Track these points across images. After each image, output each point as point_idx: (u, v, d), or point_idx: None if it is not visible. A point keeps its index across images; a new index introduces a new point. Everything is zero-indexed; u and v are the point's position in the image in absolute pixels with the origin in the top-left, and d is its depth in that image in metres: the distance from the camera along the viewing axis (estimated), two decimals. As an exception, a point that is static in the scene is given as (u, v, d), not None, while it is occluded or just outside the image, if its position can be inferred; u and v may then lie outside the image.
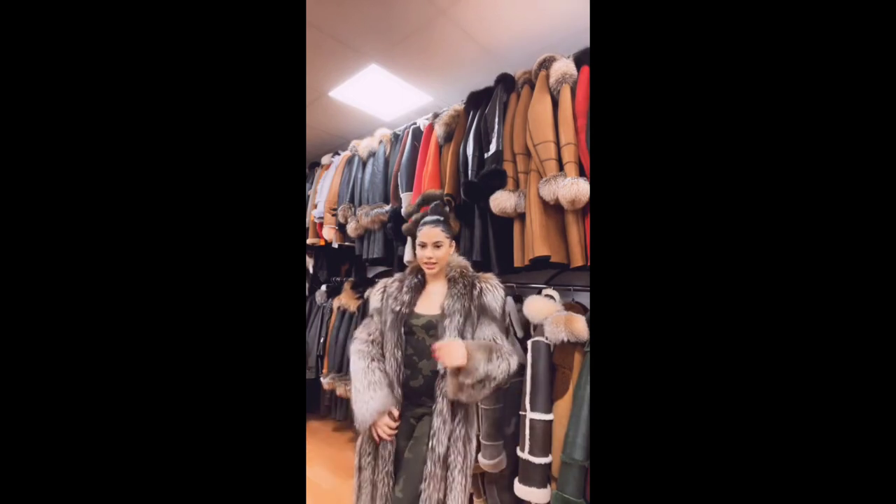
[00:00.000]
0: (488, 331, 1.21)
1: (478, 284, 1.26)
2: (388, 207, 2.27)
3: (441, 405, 1.15)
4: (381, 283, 1.37)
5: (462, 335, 1.18)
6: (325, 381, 2.56)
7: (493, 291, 1.27)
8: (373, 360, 1.23)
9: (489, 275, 1.32)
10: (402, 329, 1.23)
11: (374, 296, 1.36)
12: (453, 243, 1.33)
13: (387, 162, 2.41)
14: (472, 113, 1.94)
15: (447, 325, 1.18)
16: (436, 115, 2.15)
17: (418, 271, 1.36)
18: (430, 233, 1.27)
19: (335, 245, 2.53)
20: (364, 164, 2.52)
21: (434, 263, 1.27)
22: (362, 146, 2.55)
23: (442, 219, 1.31)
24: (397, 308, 1.26)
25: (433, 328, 1.22)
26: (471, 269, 1.32)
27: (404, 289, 1.30)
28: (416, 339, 1.23)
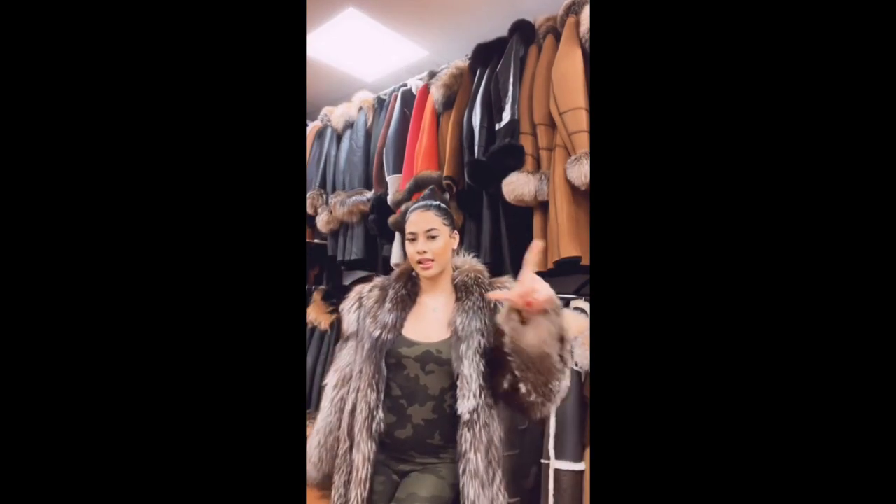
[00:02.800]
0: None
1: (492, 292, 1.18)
2: (370, 194, 2.27)
3: (475, 461, 1.06)
4: (356, 292, 1.28)
5: (483, 362, 1.12)
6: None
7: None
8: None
9: (505, 278, 1.24)
10: (383, 362, 1.14)
11: (348, 313, 1.26)
12: (455, 235, 1.25)
13: (368, 135, 2.41)
14: (479, 71, 1.93)
15: (464, 351, 1.11)
16: (432, 75, 2.14)
17: (408, 279, 1.26)
18: (421, 219, 1.18)
19: (302, 243, 2.52)
20: (339, 138, 2.51)
21: (430, 261, 1.17)
22: (337, 114, 2.54)
23: (437, 202, 1.23)
24: (376, 332, 1.16)
25: (433, 360, 1.13)
26: (487, 274, 1.25)
27: (387, 303, 1.20)
28: (404, 375, 1.14)
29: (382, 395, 1.12)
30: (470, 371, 1.10)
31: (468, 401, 1.08)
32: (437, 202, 1.23)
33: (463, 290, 1.20)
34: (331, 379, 1.24)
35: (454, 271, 1.25)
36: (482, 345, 1.12)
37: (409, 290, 1.24)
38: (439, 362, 1.13)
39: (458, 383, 1.10)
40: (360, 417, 1.12)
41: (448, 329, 1.16)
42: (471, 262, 1.27)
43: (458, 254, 1.29)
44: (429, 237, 1.17)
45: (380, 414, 1.11)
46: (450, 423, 1.12)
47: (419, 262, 1.18)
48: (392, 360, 1.15)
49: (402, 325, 1.18)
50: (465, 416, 1.08)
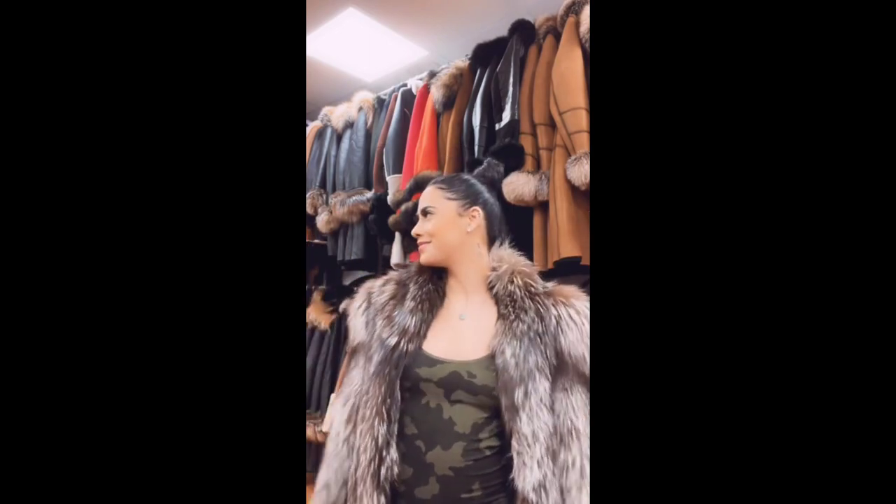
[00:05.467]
0: (563, 405, 0.83)
1: (553, 310, 0.86)
2: (370, 194, 2.24)
3: None
4: (365, 288, 1.00)
5: (553, 411, 0.81)
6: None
7: (578, 324, 0.85)
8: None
9: (571, 289, 0.91)
10: (397, 383, 0.83)
11: (357, 316, 0.96)
12: (475, 213, 0.94)
13: (368, 135, 2.38)
14: (479, 71, 1.92)
15: (520, 400, 0.79)
16: (432, 75, 2.13)
17: (433, 272, 0.95)
18: (422, 198, 0.99)
19: (301, 243, 2.52)
20: (339, 138, 2.50)
21: (425, 244, 0.94)
22: (337, 114, 2.52)
23: (451, 177, 1.02)
24: (391, 339, 0.86)
25: (463, 387, 0.82)
26: (539, 280, 0.93)
27: (407, 301, 0.90)
28: (422, 405, 0.83)
29: (396, 428, 0.82)
30: (533, 429, 0.78)
31: (531, 472, 0.77)
32: (453, 180, 1.00)
33: (509, 304, 0.87)
34: (339, 411, 0.91)
35: (492, 271, 0.93)
36: (548, 391, 0.81)
37: (436, 285, 0.93)
38: (471, 390, 0.82)
39: (515, 444, 0.78)
40: (362, 458, 0.80)
41: (483, 347, 0.86)
42: (513, 258, 0.94)
43: (500, 244, 0.98)
44: (424, 214, 0.96)
45: (392, 454, 0.80)
46: (491, 466, 0.82)
47: (420, 245, 0.96)
48: (406, 383, 0.85)
49: (425, 333, 0.88)
50: (530, 496, 0.76)
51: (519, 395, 0.80)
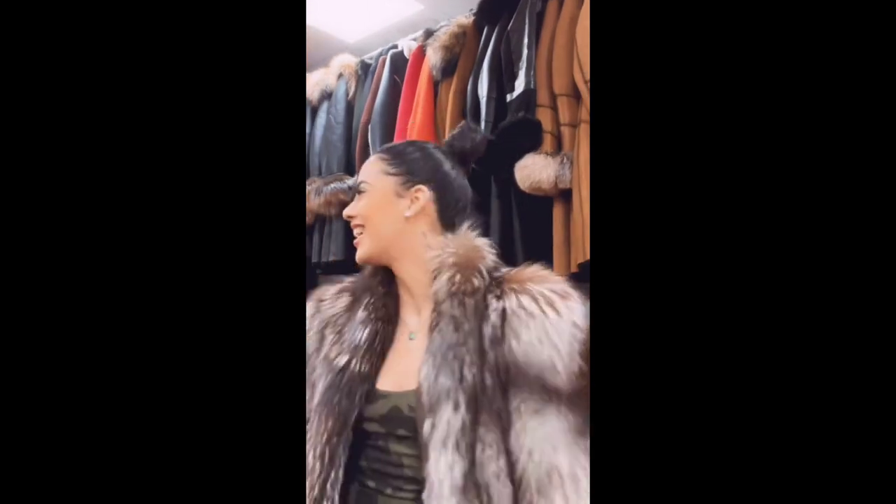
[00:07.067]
0: (533, 437, 0.72)
1: (496, 303, 0.76)
2: (351, 181, 2.22)
3: None
4: (315, 296, 0.95)
5: (471, 457, 0.72)
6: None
7: (537, 316, 0.73)
8: None
9: (533, 270, 0.81)
10: (353, 416, 0.78)
11: (309, 336, 0.91)
12: (419, 193, 0.85)
13: (350, 108, 2.34)
14: (486, 30, 1.88)
15: (427, 433, 0.72)
16: (428, 34, 2.11)
17: (386, 277, 0.89)
18: (363, 167, 0.95)
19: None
20: (314, 112, 2.47)
21: (359, 226, 0.89)
22: (311, 83, 2.46)
23: (398, 150, 0.92)
24: (341, 359, 0.81)
25: (404, 424, 0.78)
26: (490, 259, 0.82)
27: (359, 311, 0.85)
28: (374, 448, 0.80)
29: (342, 476, 0.77)
30: (445, 469, 0.71)
31: None
32: (407, 144, 0.98)
33: (448, 303, 0.78)
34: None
35: (435, 259, 0.82)
36: (465, 422, 0.71)
37: (391, 291, 0.88)
38: (413, 427, 0.76)
39: (424, 492, 0.72)
40: None
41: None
42: (466, 241, 0.83)
43: (455, 229, 0.86)
44: (358, 192, 0.90)
45: None
46: None
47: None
48: (355, 423, 0.81)
49: (383, 352, 0.84)
50: None
51: (427, 427, 0.72)
